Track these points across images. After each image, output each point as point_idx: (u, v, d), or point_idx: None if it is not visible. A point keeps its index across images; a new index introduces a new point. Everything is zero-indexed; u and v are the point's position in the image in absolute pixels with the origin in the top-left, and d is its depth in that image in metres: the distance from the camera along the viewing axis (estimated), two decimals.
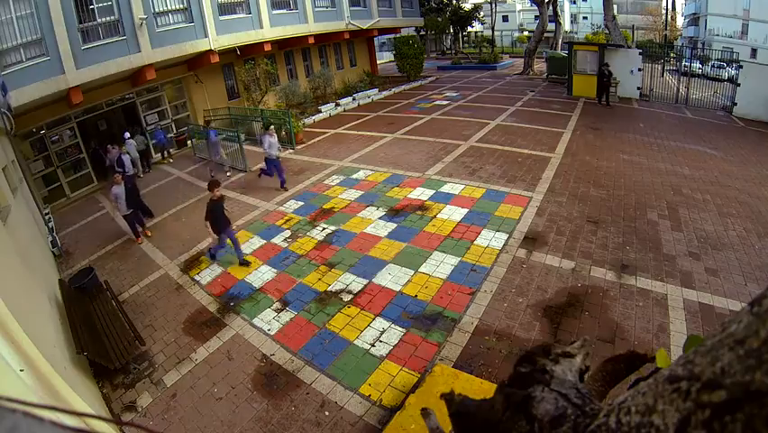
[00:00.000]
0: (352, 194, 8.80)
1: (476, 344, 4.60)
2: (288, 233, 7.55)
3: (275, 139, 9.36)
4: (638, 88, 16.75)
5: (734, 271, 5.53)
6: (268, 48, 16.02)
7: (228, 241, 6.65)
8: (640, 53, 16.92)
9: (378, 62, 26.16)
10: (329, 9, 18.87)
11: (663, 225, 6.77)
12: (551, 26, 27.70)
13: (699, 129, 13.06)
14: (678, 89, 16.92)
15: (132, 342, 5.00)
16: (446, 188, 8.50)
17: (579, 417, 0.86)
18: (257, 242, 7.37)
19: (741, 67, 14.83)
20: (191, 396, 4.38)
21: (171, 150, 14.84)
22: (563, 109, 15.05)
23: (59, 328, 4.80)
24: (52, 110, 11.50)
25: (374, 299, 5.50)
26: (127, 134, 12.40)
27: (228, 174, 11.26)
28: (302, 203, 8.69)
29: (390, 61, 30.82)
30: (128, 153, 10.24)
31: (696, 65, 19.66)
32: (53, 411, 0.48)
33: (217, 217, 6.37)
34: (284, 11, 16.64)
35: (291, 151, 12.56)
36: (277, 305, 5.66)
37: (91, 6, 10.95)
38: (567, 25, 46.25)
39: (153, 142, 14.19)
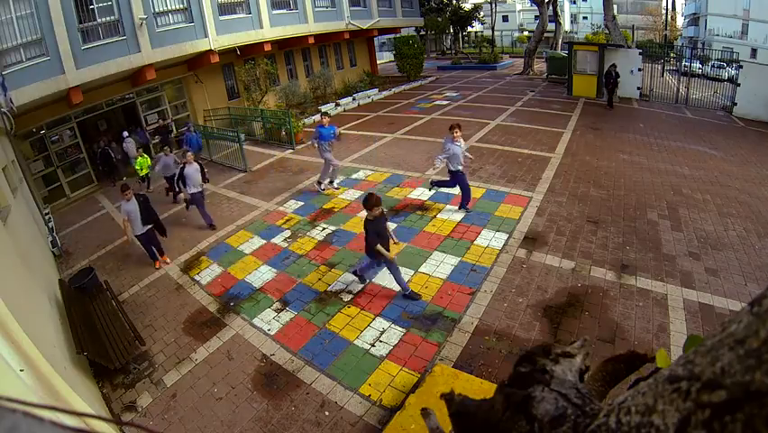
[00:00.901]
0: (352, 194, 8.80)
1: (476, 344, 4.60)
2: (287, 233, 7.55)
3: (461, 145, 7.05)
4: (638, 88, 16.75)
5: (734, 271, 5.53)
6: (268, 48, 16.02)
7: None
8: (640, 53, 16.91)
9: (378, 62, 26.15)
10: (329, 9, 18.87)
11: (663, 225, 6.77)
12: (551, 26, 27.69)
13: (699, 129, 13.06)
14: (678, 89, 16.91)
15: (132, 342, 5.00)
16: (446, 189, 8.49)
17: (579, 417, 0.86)
18: (257, 242, 7.37)
19: (741, 67, 14.83)
20: (191, 396, 4.38)
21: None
22: (563, 109, 15.04)
23: (59, 328, 4.80)
24: (52, 110, 11.49)
25: (374, 299, 5.50)
26: (125, 133, 12.53)
27: (333, 188, 9.05)
28: (302, 203, 8.69)
29: (390, 61, 30.82)
30: (199, 163, 8.19)
31: (696, 65, 19.65)
32: (53, 411, 0.48)
33: (380, 238, 5.18)
34: (284, 11, 16.64)
35: (291, 151, 12.56)
36: (277, 305, 5.66)
37: (91, 6, 10.95)
38: (567, 25, 46.25)
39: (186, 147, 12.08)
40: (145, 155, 11.02)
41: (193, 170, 7.79)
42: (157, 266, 7.00)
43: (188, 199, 7.98)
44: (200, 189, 7.92)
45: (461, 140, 7.03)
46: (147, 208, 6.75)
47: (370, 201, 5.07)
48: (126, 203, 6.54)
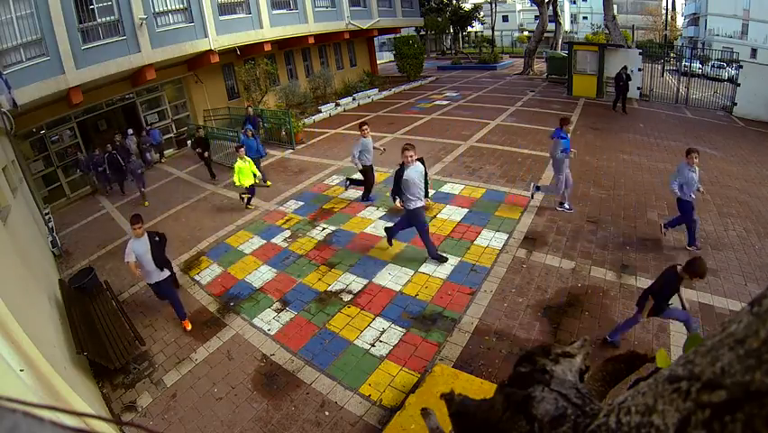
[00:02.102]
0: (352, 194, 8.80)
1: (476, 344, 4.60)
2: (287, 233, 7.55)
3: (696, 173, 5.78)
4: (638, 88, 16.73)
5: (734, 271, 5.53)
6: (268, 48, 16.02)
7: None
8: (640, 53, 16.89)
9: (378, 62, 26.15)
10: (329, 9, 18.87)
11: None
12: (551, 26, 27.67)
13: (699, 129, 13.06)
14: (678, 89, 16.91)
15: (132, 342, 5.00)
16: (446, 188, 8.50)
17: (579, 417, 0.86)
18: (257, 242, 7.37)
19: (741, 67, 14.82)
20: (191, 396, 4.38)
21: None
22: (563, 109, 15.03)
23: (59, 328, 4.80)
24: (52, 110, 11.50)
25: (374, 299, 5.50)
26: (130, 130, 12.58)
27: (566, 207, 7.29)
28: (302, 203, 8.69)
29: (390, 61, 30.81)
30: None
31: (696, 65, 19.63)
32: (53, 411, 0.48)
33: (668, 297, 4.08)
34: (284, 11, 16.64)
35: (291, 151, 12.56)
36: (277, 305, 5.66)
37: (91, 6, 10.95)
38: (567, 25, 46.24)
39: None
40: (246, 157, 8.21)
41: (417, 173, 5.62)
42: (186, 327, 5.40)
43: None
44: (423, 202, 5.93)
45: (697, 167, 5.81)
46: (161, 252, 5.23)
47: (702, 268, 3.79)
48: (135, 240, 5.00)
